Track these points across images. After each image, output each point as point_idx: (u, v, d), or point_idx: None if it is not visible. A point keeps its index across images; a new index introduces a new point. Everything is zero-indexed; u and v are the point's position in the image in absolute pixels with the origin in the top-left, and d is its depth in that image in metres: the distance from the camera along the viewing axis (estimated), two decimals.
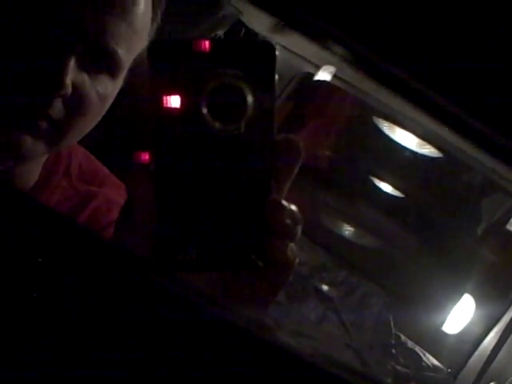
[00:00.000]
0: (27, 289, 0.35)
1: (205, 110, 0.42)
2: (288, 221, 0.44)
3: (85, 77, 0.65)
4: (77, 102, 0.65)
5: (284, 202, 0.44)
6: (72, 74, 0.63)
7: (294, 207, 0.45)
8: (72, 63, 0.63)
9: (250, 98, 0.42)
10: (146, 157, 0.44)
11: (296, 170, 0.45)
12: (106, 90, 0.67)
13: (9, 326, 0.34)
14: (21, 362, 0.34)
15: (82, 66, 0.64)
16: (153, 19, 0.71)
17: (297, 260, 0.45)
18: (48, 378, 0.35)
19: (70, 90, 0.63)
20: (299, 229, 0.46)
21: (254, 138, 0.43)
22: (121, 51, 0.66)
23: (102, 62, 0.66)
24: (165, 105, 0.42)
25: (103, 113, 0.70)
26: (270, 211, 0.44)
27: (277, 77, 0.43)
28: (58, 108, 0.64)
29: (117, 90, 0.71)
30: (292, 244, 0.45)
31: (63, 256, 0.35)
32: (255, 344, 0.35)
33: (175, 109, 0.43)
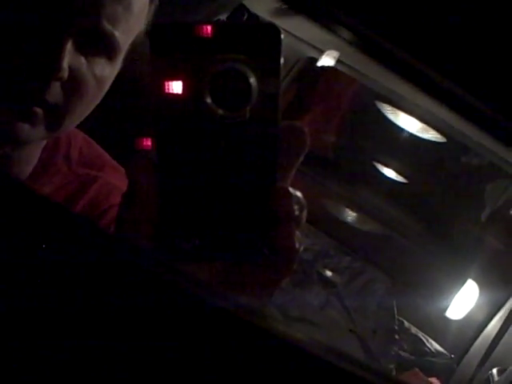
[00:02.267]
0: (29, 278, 0.34)
1: (207, 97, 0.41)
2: (294, 208, 0.43)
3: (82, 60, 0.64)
4: (74, 86, 0.64)
5: (290, 189, 0.44)
6: (69, 57, 0.62)
7: (299, 194, 0.44)
8: (69, 46, 0.62)
9: (254, 84, 0.41)
10: (147, 143, 0.43)
11: (301, 157, 0.44)
12: (103, 72, 0.67)
13: (13, 316, 0.34)
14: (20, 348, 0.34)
15: (78, 49, 0.63)
16: (151, 1, 0.70)
17: (301, 247, 0.45)
18: (50, 365, 0.34)
19: (66, 73, 0.62)
20: (304, 215, 0.45)
21: (259, 125, 0.42)
22: (118, 33, 0.65)
23: (98, 44, 0.65)
24: (166, 90, 0.41)
25: (101, 96, 0.69)
26: (277, 199, 0.43)
27: (282, 61, 0.42)
28: (55, 92, 0.63)
29: (115, 73, 0.70)
30: (297, 231, 0.44)
31: (64, 245, 0.35)
32: (253, 333, 0.34)
33: (177, 95, 0.41)
